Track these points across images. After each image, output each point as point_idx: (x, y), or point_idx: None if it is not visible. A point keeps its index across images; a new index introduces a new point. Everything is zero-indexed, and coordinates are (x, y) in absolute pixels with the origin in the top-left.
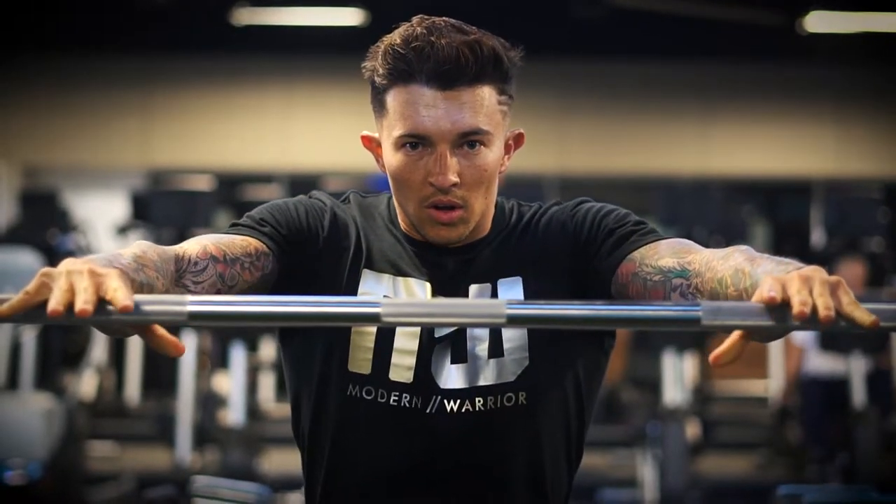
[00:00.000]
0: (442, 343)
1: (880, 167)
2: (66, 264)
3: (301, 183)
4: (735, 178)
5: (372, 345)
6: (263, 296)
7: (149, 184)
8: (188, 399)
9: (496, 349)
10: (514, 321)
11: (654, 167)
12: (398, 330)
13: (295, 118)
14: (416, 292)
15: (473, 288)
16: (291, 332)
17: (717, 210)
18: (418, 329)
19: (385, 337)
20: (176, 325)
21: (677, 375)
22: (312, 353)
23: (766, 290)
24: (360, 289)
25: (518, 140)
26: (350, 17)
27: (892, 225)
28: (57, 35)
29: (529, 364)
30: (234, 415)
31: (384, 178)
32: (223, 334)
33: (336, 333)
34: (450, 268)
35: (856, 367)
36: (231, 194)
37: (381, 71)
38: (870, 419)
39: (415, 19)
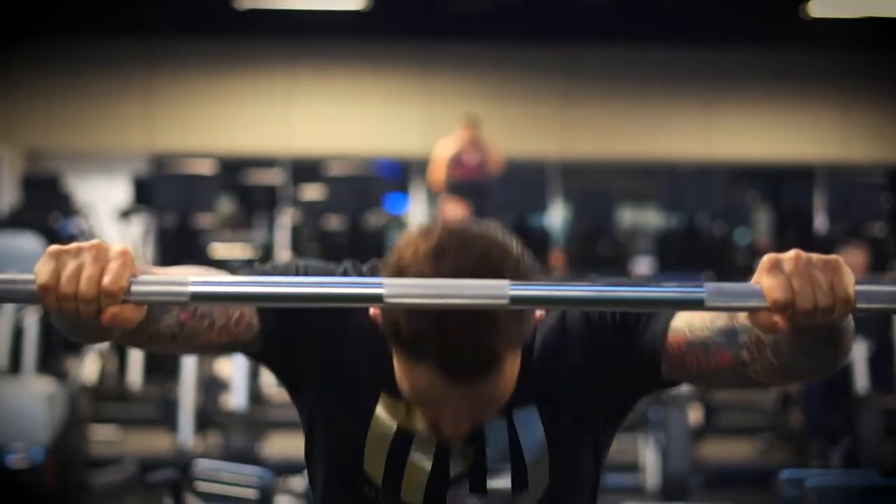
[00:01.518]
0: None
1: (883, 152)
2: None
3: (304, 167)
4: (738, 163)
5: (384, 457)
6: (266, 277)
7: (151, 168)
8: (190, 383)
9: (520, 480)
10: (517, 302)
11: (658, 152)
12: (414, 450)
13: (298, 102)
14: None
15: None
16: (305, 395)
17: (720, 195)
18: (433, 446)
19: (400, 449)
20: (178, 306)
21: None
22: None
23: (772, 290)
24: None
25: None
26: (353, 0)
27: (894, 210)
28: (60, 19)
29: (550, 482)
30: (236, 399)
31: (389, 164)
32: None
33: (346, 433)
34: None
35: (858, 352)
36: (234, 178)
37: (387, 335)
38: (872, 404)
39: (424, 261)
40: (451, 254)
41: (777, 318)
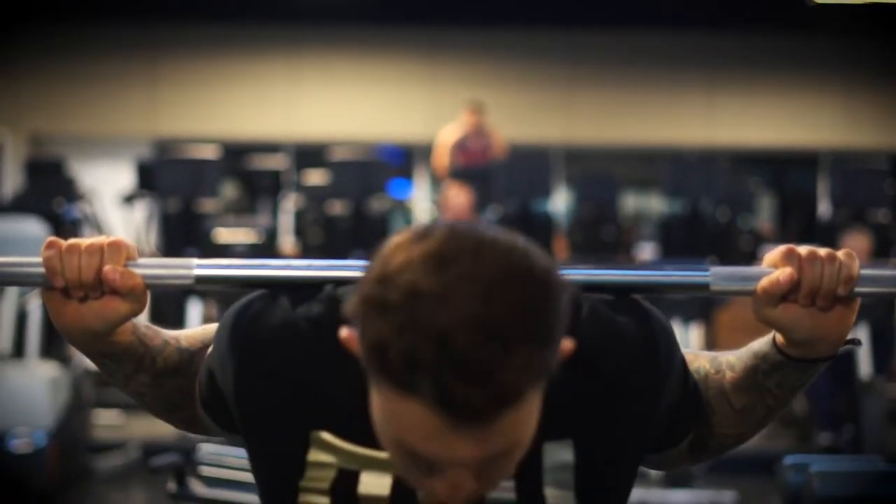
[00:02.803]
0: None
1: (887, 139)
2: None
3: (308, 152)
4: (742, 149)
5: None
6: (270, 260)
7: (155, 153)
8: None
9: None
10: None
11: (661, 138)
12: (362, 498)
13: (302, 87)
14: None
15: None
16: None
17: (723, 181)
18: (386, 496)
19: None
20: (182, 289)
21: (683, 345)
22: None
23: (780, 263)
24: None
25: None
26: None
27: None
28: (63, 4)
29: None
30: None
31: (393, 149)
32: (228, 302)
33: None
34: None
35: (861, 338)
36: (237, 163)
37: (367, 359)
38: (876, 389)
39: (423, 287)
40: (461, 260)
41: (783, 279)
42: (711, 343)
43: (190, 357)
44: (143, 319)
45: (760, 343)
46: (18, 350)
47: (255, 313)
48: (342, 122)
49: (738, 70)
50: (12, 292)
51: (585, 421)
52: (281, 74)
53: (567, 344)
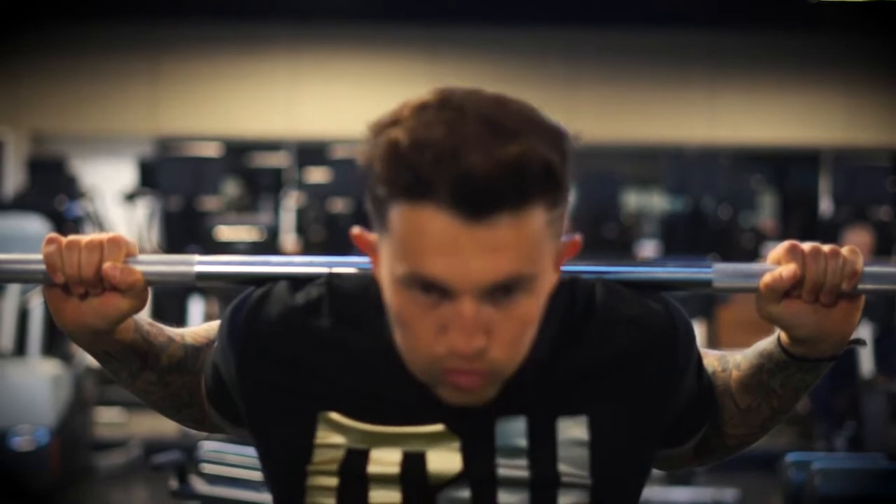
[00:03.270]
0: (452, 489)
1: (889, 136)
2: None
3: (309, 149)
4: (743, 146)
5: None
6: (271, 256)
7: (157, 151)
8: None
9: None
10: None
11: (663, 135)
12: (371, 476)
13: (303, 85)
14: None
15: (506, 421)
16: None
17: (725, 179)
18: (397, 474)
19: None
20: (183, 286)
21: None
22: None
23: (783, 259)
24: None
25: (571, 249)
26: None
27: None
28: (65, 2)
29: None
30: None
31: None
32: (230, 299)
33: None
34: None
35: (864, 335)
36: (239, 161)
37: (380, 173)
38: (878, 387)
39: (431, 101)
40: (456, 99)
41: (786, 274)
42: (714, 340)
43: (195, 353)
44: (145, 317)
45: (766, 342)
46: (20, 348)
47: (255, 301)
48: (344, 119)
49: (740, 67)
50: (14, 290)
51: (600, 398)
52: (282, 72)
53: (577, 239)
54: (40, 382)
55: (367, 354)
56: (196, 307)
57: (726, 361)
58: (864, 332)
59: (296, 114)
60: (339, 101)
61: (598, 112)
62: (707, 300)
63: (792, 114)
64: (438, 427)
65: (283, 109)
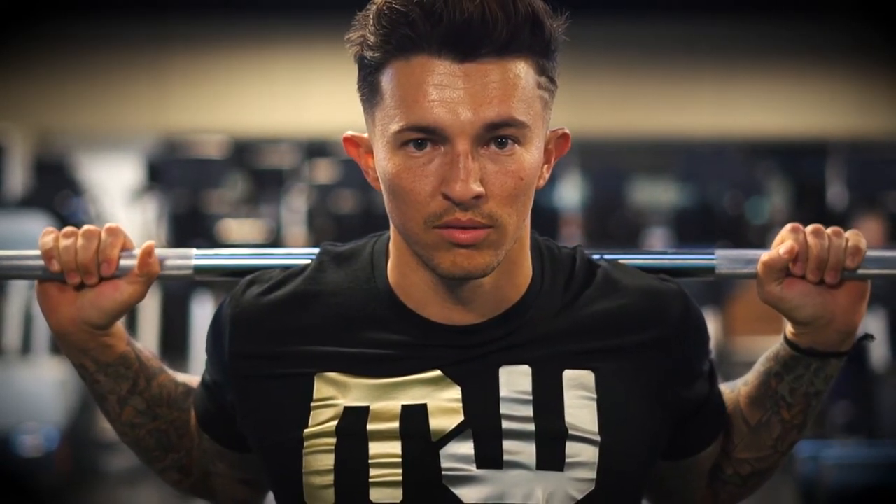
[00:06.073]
0: (455, 441)
1: None
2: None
3: (316, 146)
4: (754, 136)
5: (331, 464)
6: (270, 249)
7: (162, 148)
8: (203, 363)
9: (551, 457)
10: None
11: (672, 126)
12: (371, 433)
13: (310, 81)
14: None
15: (509, 370)
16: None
17: (735, 169)
18: (396, 428)
19: (352, 445)
20: (183, 279)
21: None
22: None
23: (787, 239)
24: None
25: (561, 144)
26: None
27: None
28: None
29: (596, 488)
30: None
31: None
32: None
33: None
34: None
35: (877, 324)
36: (245, 158)
37: (372, 40)
38: (891, 376)
39: None
40: None
41: (783, 250)
42: (727, 331)
43: (186, 392)
44: (152, 323)
45: (773, 346)
46: (27, 348)
47: (243, 285)
48: (350, 115)
49: (750, 57)
50: (20, 289)
51: (606, 355)
52: (289, 68)
53: (566, 130)
54: (48, 382)
55: (360, 306)
56: (201, 311)
57: (734, 383)
58: (877, 319)
59: (302, 110)
60: (346, 97)
61: (607, 103)
62: (717, 289)
63: (802, 103)
64: (436, 373)
65: (290, 105)
